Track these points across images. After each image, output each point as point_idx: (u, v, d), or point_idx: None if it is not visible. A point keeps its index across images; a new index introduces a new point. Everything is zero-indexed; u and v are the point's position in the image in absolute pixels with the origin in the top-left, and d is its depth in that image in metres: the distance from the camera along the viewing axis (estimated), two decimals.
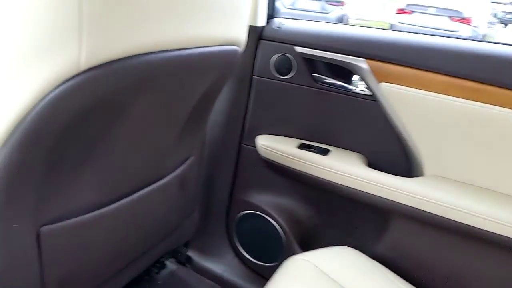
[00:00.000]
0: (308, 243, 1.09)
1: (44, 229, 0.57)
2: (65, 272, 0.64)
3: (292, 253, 1.05)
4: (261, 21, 1.01)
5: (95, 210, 0.65)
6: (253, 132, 1.07)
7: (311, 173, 0.96)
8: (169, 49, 0.55)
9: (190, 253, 1.22)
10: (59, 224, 0.60)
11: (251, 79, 1.04)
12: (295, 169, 0.98)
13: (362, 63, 0.90)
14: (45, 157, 0.50)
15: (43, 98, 0.45)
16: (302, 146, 1.00)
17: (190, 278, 1.18)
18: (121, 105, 0.55)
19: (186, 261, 1.21)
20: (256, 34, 1.00)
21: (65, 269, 0.64)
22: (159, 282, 1.13)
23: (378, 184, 0.89)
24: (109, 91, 0.51)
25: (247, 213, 1.13)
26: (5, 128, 0.46)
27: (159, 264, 1.14)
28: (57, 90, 0.45)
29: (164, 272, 1.15)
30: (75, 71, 0.45)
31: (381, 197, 0.89)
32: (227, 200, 1.16)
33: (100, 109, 0.52)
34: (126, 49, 0.49)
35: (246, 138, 1.08)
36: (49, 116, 0.47)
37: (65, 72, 0.45)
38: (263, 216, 1.10)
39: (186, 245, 1.20)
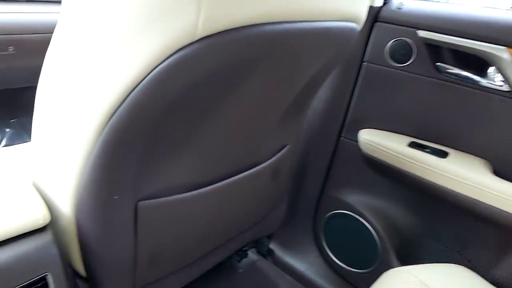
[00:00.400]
0: (406, 254, 0.97)
1: (141, 204, 0.58)
2: (156, 248, 0.65)
3: (387, 262, 0.95)
4: (379, 1, 0.90)
5: (189, 190, 0.64)
6: (356, 125, 0.97)
7: (423, 176, 0.84)
8: (287, 20, 0.49)
9: (272, 245, 1.17)
10: (155, 200, 0.60)
11: (360, 65, 0.94)
12: (403, 170, 0.87)
13: (502, 53, 0.75)
14: (147, 134, 0.49)
15: (153, 69, 0.42)
16: (413, 145, 0.88)
17: (270, 271, 1.13)
18: (230, 82, 0.51)
19: (268, 253, 1.17)
20: (372, 15, 0.90)
21: (157, 245, 0.65)
22: (240, 270, 1.10)
23: (505, 196, 0.74)
24: (222, 64, 0.47)
25: (338, 212, 1.04)
26: (113, 101, 0.44)
27: (241, 253, 1.11)
28: (169, 60, 0.42)
29: (245, 261, 1.12)
30: (190, 39, 0.41)
31: (507, 212, 0.74)
32: (317, 195, 1.08)
33: (209, 84, 0.48)
34: (244, 17, 0.44)
35: (346, 130, 0.99)
36: (157, 89, 0.44)
37: (180, 40, 0.41)
38: (357, 218, 1.00)
39: (270, 237, 1.15)
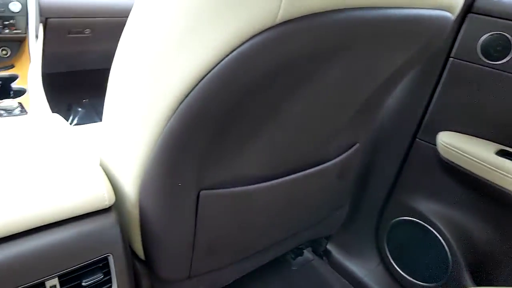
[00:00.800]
0: (480, 273, 0.88)
1: (203, 193, 0.57)
2: (215, 238, 0.64)
3: (457, 279, 0.86)
4: None
5: (253, 183, 0.62)
6: (435, 126, 0.88)
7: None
8: (377, 5, 0.44)
9: (330, 246, 1.12)
10: (218, 190, 0.59)
11: (446, 60, 0.85)
12: (489, 180, 0.78)
13: None
14: (216, 123, 0.47)
15: (227, 55, 0.39)
16: (503, 153, 0.78)
17: (326, 272, 1.09)
18: (307, 71, 0.47)
19: (324, 254, 1.12)
20: (464, 6, 0.80)
21: (216, 235, 0.64)
22: (293, 268, 1.07)
23: None
24: (301, 52, 0.43)
25: (405, 219, 0.96)
26: (183, 87, 0.43)
27: (297, 250, 1.07)
28: (245, 46, 0.39)
29: (300, 259, 1.08)
30: (270, 23, 0.37)
31: None
32: (383, 199, 1.01)
33: (284, 74, 0.45)
34: (326, 0, 0.39)
35: (423, 132, 0.91)
36: (229, 76, 0.41)
37: (259, 25, 0.37)
38: (427, 227, 0.92)
39: (328, 237, 1.10)
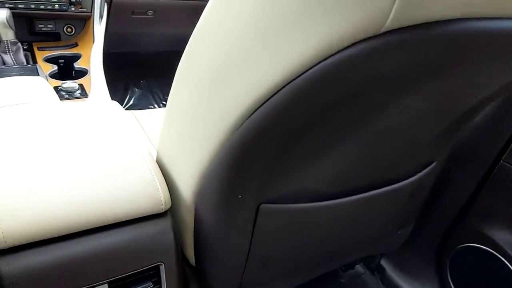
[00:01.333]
0: None
1: (263, 207, 0.52)
2: (269, 252, 0.61)
3: None
4: None
5: (316, 201, 0.57)
6: None
7: None
8: (496, 16, 0.36)
9: (384, 262, 1.04)
10: (278, 205, 0.54)
11: None
12: None
13: None
14: (285, 139, 0.42)
15: (310, 68, 0.33)
16: None
17: None
18: (400, 87, 0.40)
19: (377, 269, 1.05)
20: None
21: (271, 249, 0.61)
22: (342, 280, 1.01)
23: None
24: (402, 65, 0.36)
25: (475, 247, 0.87)
26: (256, 99, 0.38)
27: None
28: (337, 56, 0.32)
29: (350, 272, 1.02)
30: (373, 31, 0.31)
31: None
32: (451, 221, 0.92)
33: (374, 87, 0.38)
34: (451, 8, 0.32)
35: (510, 154, 0.80)
36: (311, 90, 0.36)
37: (359, 33, 0.31)
38: (501, 259, 0.82)
39: (382, 253, 1.02)
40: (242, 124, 0.40)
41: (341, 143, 0.47)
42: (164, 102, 1.78)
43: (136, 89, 1.77)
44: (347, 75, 0.35)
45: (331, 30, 0.32)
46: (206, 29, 0.43)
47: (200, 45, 0.44)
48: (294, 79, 0.35)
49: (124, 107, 1.70)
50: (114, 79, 1.27)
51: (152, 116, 0.97)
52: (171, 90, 0.51)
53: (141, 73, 1.77)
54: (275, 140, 0.42)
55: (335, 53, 0.32)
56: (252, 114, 0.39)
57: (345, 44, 0.32)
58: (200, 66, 0.44)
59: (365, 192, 0.60)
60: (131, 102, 1.73)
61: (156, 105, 1.77)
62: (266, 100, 0.37)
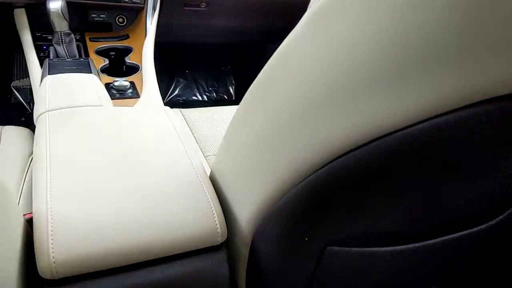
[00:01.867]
0: None
1: (329, 249, 0.48)
2: None
3: None
4: None
5: (389, 244, 0.50)
6: None
7: None
8: None
9: None
10: (346, 249, 0.49)
11: None
12: None
13: None
14: (360, 190, 0.38)
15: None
16: None
17: None
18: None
19: None
20: None
21: None
22: None
23: None
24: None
25: None
26: (339, 148, 0.34)
27: None
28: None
29: None
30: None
31: None
32: None
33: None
34: None
35: None
36: (425, 144, 0.32)
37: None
38: None
39: None
40: (327, 164, 0.36)
41: (416, 193, 0.42)
42: (207, 94, 1.75)
43: (181, 79, 1.74)
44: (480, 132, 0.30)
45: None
46: (294, 63, 0.37)
47: (292, 76, 0.39)
48: (401, 129, 0.30)
49: (168, 97, 1.69)
50: (160, 68, 1.24)
51: (200, 115, 0.94)
52: (239, 108, 0.46)
53: (186, 63, 1.74)
54: (350, 191, 0.38)
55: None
56: (340, 157, 0.35)
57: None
58: (288, 97, 0.39)
59: (445, 235, 0.54)
60: (176, 92, 1.71)
61: (199, 96, 1.74)
62: (363, 145, 0.33)
